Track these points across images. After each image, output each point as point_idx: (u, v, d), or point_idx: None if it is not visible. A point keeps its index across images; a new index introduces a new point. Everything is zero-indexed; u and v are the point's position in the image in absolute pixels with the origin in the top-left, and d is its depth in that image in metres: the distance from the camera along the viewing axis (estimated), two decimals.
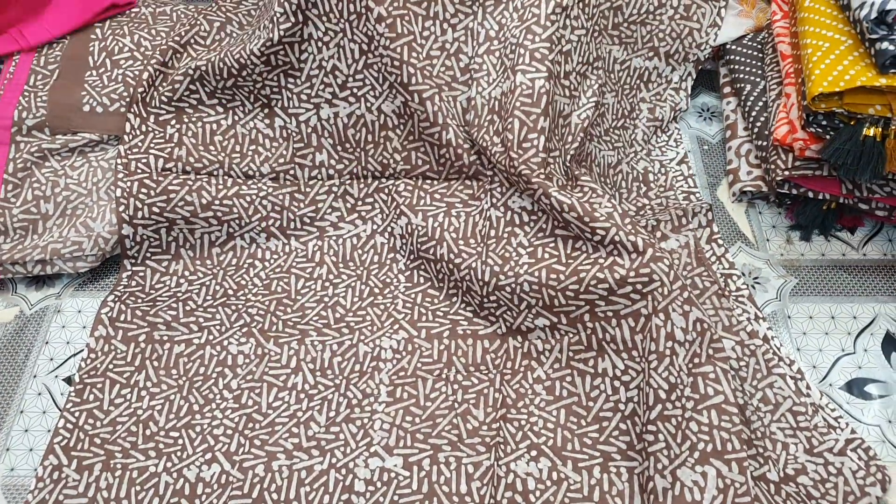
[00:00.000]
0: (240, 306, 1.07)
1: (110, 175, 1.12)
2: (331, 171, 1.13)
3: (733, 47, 1.26)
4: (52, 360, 1.04)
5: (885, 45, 0.92)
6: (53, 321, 1.08)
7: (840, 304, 1.07)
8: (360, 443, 0.94)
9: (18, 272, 1.08)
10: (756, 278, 1.09)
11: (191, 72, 1.12)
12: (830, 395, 0.98)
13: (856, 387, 0.99)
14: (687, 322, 0.90)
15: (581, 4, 1.10)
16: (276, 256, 1.12)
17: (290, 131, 1.13)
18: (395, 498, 0.91)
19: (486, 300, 1.02)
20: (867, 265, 1.11)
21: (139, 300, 1.06)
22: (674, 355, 0.89)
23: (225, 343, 1.03)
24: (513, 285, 0.99)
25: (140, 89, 1.13)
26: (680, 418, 0.87)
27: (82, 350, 1.04)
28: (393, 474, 0.92)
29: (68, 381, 1.02)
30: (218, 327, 1.04)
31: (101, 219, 1.08)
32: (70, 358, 1.04)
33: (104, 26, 1.21)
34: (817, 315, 1.06)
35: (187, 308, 1.06)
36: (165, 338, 1.03)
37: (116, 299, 1.06)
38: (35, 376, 1.03)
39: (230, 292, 1.08)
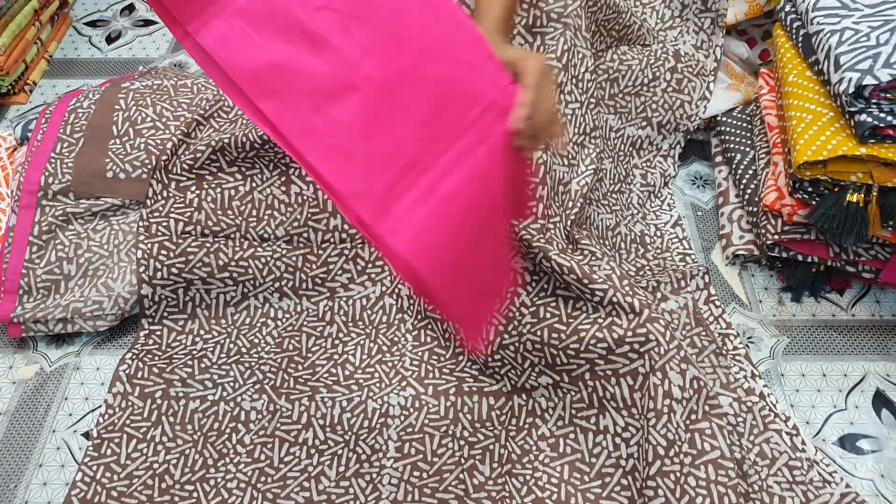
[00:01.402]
0: (253, 363, 1.10)
1: (131, 238, 1.17)
2: (343, 235, 1.18)
3: (723, 119, 1.32)
4: (70, 415, 1.07)
5: (863, 117, 0.98)
6: (73, 378, 1.11)
7: (831, 363, 1.11)
8: (370, 497, 0.97)
9: (40, 330, 1.12)
10: (750, 338, 1.13)
11: (213, 143, 1.18)
12: (824, 450, 1.01)
13: (848, 442, 1.03)
14: (684, 380, 0.93)
15: (574, 80, 1.16)
16: (288, 315, 1.16)
17: (305, 197, 1.18)
18: None
19: (490, 359, 1.05)
20: (856, 325, 1.15)
21: (156, 357, 1.10)
22: (671, 412, 0.93)
23: (238, 399, 1.07)
24: (516, 344, 1.02)
25: (164, 157, 1.19)
26: (678, 473, 0.90)
27: (100, 406, 1.08)
28: None
29: (86, 435, 1.05)
30: (231, 384, 1.08)
31: (121, 279, 1.13)
32: (88, 413, 1.07)
33: (128, 97, 1.28)
34: (809, 373, 1.10)
35: (202, 365, 1.10)
36: (181, 394, 1.07)
37: (134, 357, 1.10)
38: (54, 431, 1.06)
39: (244, 350, 1.12)
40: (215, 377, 1.09)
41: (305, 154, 0.66)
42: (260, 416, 1.05)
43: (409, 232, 0.69)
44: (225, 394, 1.07)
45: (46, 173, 1.19)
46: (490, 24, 0.92)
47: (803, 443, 0.98)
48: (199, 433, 1.04)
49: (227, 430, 1.04)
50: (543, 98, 0.77)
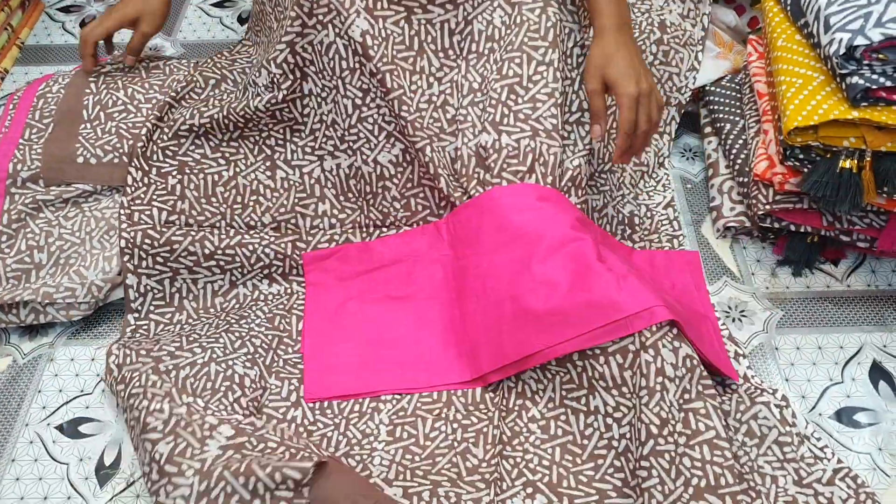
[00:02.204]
0: (244, 334, 1.07)
1: (104, 224, 1.13)
2: (332, 221, 1.15)
3: (712, 89, 1.29)
4: (44, 408, 1.04)
5: (854, 79, 0.94)
6: (46, 370, 1.08)
7: (826, 335, 1.08)
8: (360, 475, 0.94)
9: (11, 321, 1.09)
10: (742, 311, 1.10)
11: (196, 126, 1.15)
12: (820, 425, 0.99)
13: (845, 415, 1.00)
14: (677, 358, 0.90)
15: (564, 57, 1.13)
16: (278, 297, 1.13)
17: (291, 182, 1.15)
18: None
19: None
20: (852, 296, 1.12)
21: (143, 343, 1.07)
22: (664, 391, 0.90)
23: (230, 363, 1.03)
24: None
25: (139, 144, 1.15)
26: (673, 454, 0.87)
27: (74, 398, 1.05)
28: None
29: (60, 429, 1.02)
30: (222, 349, 1.04)
31: (94, 267, 1.09)
32: (62, 406, 1.04)
33: (98, 81, 1.24)
34: (804, 346, 1.07)
35: (191, 339, 1.06)
36: (171, 367, 1.02)
37: (121, 346, 1.06)
38: (27, 425, 1.03)
39: (233, 323, 1.09)
40: (205, 344, 1.05)
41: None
42: (253, 386, 1.02)
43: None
44: (216, 356, 1.03)
45: (15, 160, 1.16)
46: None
47: (794, 415, 0.95)
48: (192, 396, 0.99)
49: (222, 389, 1.00)
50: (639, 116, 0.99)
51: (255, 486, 0.83)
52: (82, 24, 1.63)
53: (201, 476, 0.85)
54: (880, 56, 0.94)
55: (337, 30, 1.08)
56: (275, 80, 1.12)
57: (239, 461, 0.85)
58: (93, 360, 1.09)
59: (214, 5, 1.66)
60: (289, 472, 0.82)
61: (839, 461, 0.92)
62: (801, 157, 1.02)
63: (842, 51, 0.95)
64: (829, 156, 1.00)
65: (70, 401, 1.05)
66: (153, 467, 0.88)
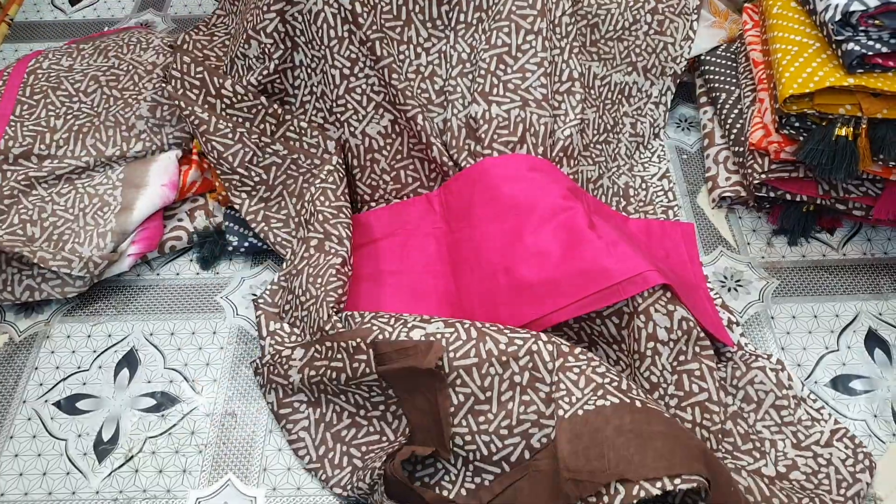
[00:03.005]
0: None
1: (97, 201, 1.13)
2: None
3: (708, 58, 1.28)
4: (41, 385, 1.04)
5: (850, 45, 0.94)
6: (43, 347, 1.08)
7: (822, 304, 1.08)
8: None
9: (7, 299, 1.08)
10: (738, 281, 1.10)
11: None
12: (816, 393, 0.99)
13: (841, 383, 1.00)
14: (671, 321, 0.90)
15: (552, 26, 1.12)
16: None
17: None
18: None
19: None
20: (847, 265, 1.12)
21: None
22: (656, 355, 0.90)
23: None
24: None
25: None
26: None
27: (72, 375, 1.05)
28: None
29: (58, 405, 1.02)
30: None
31: (88, 243, 1.09)
32: (59, 383, 1.04)
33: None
34: (800, 315, 1.07)
35: None
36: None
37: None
38: (24, 402, 1.03)
39: None
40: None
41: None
42: None
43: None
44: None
45: (6, 137, 1.15)
46: None
47: (790, 378, 0.95)
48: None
49: None
50: None
51: None
52: (72, 2, 1.61)
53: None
54: (876, 22, 0.93)
55: None
56: (266, 49, 1.10)
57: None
58: (89, 336, 1.09)
59: None
60: None
61: (836, 422, 0.93)
62: (796, 125, 1.02)
63: (837, 17, 0.94)
64: (825, 124, 1.00)
65: (67, 377, 1.05)
66: None
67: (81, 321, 1.11)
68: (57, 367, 1.06)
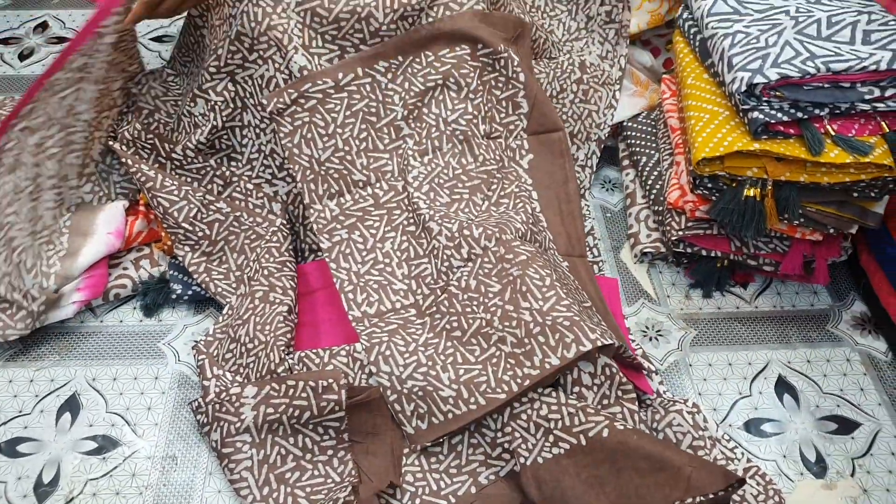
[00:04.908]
0: None
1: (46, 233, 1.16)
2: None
3: (630, 124, 1.37)
4: None
5: (755, 114, 1.03)
6: None
7: (736, 352, 1.16)
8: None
9: None
10: (659, 331, 1.17)
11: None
12: (731, 435, 1.06)
13: (753, 426, 1.07)
14: (595, 367, 0.96)
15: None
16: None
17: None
18: None
19: None
20: (759, 316, 1.20)
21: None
22: (581, 399, 0.96)
23: None
24: None
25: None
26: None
27: (13, 419, 1.06)
28: None
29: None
30: None
31: (33, 276, 1.10)
32: (0, 426, 1.05)
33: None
34: (716, 363, 1.14)
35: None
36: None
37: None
38: None
39: None
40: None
41: None
42: None
43: None
44: None
45: None
46: None
47: (705, 420, 1.01)
48: None
49: None
50: None
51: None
52: (21, 57, 1.64)
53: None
54: (777, 93, 1.03)
55: (277, 65, 1.12)
56: (215, 106, 1.16)
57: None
58: (31, 381, 1.10)
59: (153, 40, 1.69)
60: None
61: (748, 461, 0.99)
62: (709, 185, 1.10)
63: (743, 88, 1.03)
64: (734, 185, 1.08)
65: (8, 421, 1.06)
66: None
67: (24, 366, 1.12)
68: None
